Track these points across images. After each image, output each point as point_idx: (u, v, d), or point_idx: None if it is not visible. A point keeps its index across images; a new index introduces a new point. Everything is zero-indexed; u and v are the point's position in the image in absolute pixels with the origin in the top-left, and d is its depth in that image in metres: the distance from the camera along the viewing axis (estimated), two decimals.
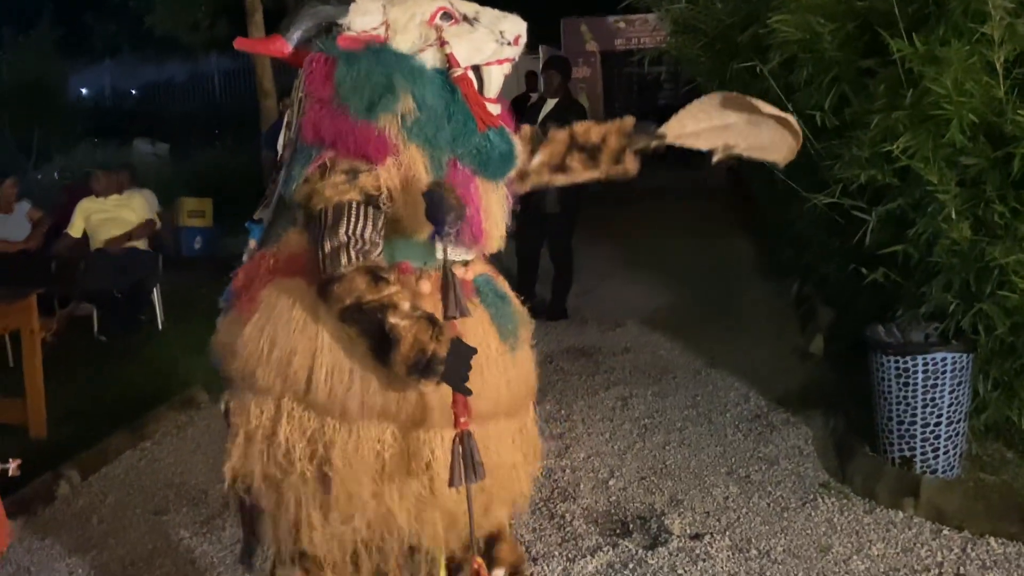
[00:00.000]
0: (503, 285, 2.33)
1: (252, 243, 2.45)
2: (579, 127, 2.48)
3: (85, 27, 19.68)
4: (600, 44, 15.12)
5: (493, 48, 2.14)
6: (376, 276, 1.98)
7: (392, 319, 1.93)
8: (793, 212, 5.45)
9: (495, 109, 2.18)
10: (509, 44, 2.14)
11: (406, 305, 1.96)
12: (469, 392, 1.97)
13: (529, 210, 5.79)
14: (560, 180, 2.51)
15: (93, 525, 3.95)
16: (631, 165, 2.48)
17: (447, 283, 2.00)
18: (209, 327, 2.34)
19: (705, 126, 2.50)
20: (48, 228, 7.33)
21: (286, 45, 2.22)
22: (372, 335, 1.96)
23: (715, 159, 2.51)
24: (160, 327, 6.89)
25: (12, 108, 13.49)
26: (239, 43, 2.39)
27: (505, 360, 2.22)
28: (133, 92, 21.01)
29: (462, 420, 2.00)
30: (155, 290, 6.98)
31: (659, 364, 5.66)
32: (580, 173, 2.48)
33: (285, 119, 4.38)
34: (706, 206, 11.72)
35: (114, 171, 7.36)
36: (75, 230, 7.00)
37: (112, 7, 17.20)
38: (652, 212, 11.56)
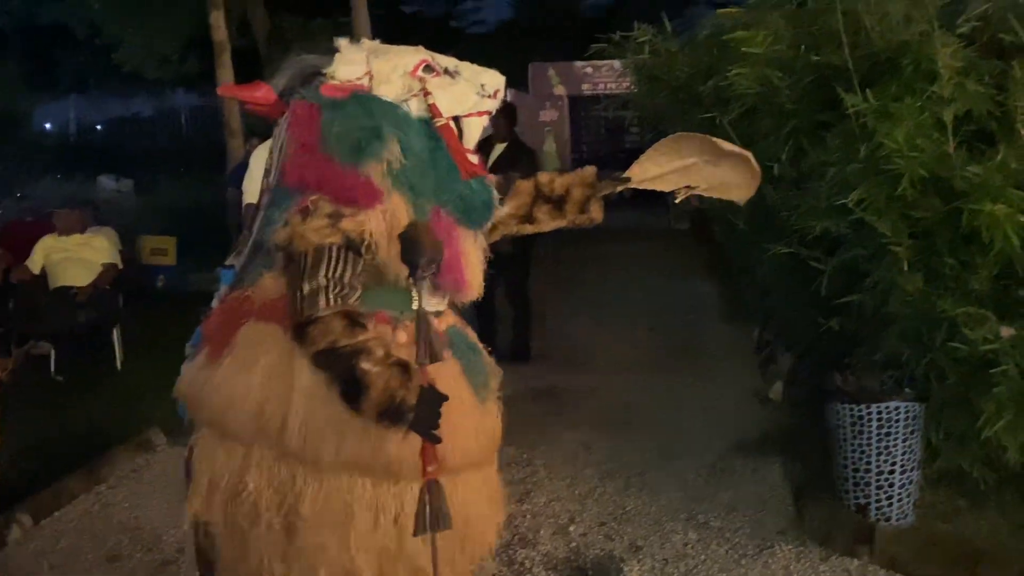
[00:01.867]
0: (473, 337, 2.36)
1: (223, 288, 2.46)
2: (543, 177, 2.53)
3: (52, 61, 19.62)
4: (567, 88, 15.30)
5: (474, 100, 2.22)
6: (353, 321, 2.00)
7: (364, 364, 1.95)
8: (754, 257, 5.54)
9: (473, 159, 2.24)
10: (489, 97, 2.23)
11: (380, 351, 1.98)
12: (438, 440, 1.98)
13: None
14: (528, 230, 2.56)
15: (44, 571, 3.88)
16: (597, 213, 2.55)
17: (420, 327, 2.03)
18: (169, 367, 2.34)
19: (667, 168, 2.56)
20: (6, 266, 7.24)
21: (271, 93, 2.26)
22: (344, 380, 1.97)
23: (677, 200, 2.58)
24: (119, 367, 6.82)
25: None
26: (224, 90, 2.43)
27: (474, 412, 2.25)
28: (98, 127, 20.96)
29: (429, 469, 2.01)
30: (115, 329, 6.91)
31: (622, 407, 5.69)
32: (547, 223, 2.53)
33: (251, 160, 4.46)
34: (669, 250, 11.82)
35: (76, 209, 7.32)
36: (34, 265, 6.93)
37: (80, 42, 17.16)
38: (617, 253, 11.64)
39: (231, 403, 2.16)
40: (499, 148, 6.87)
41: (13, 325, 6.34)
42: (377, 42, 2.30)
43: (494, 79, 2.25)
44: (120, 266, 7.18)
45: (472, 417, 2.24)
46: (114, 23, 13.87)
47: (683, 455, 4.84)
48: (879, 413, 3.70)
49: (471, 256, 2.23)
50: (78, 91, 20.55)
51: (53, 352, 6.64)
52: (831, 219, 3.93)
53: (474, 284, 2.25)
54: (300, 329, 2.00)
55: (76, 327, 6.63)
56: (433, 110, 2.17)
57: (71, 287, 6.82)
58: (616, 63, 13.35)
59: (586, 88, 15.28)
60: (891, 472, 3.72)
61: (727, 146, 2.54)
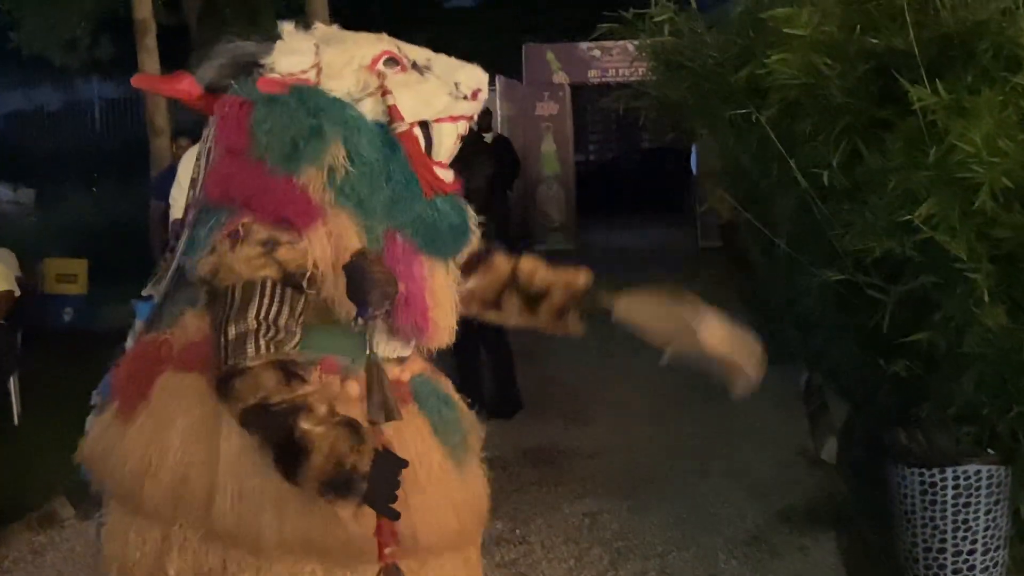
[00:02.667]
0: (446, 387, 2.35)
1: (139, 325, 2.44)
2: (526, 264, 2.52)
3: None
4: (570, 75, 15.34)
5: (445, 102, 2.19)
6: (289, 372, 1.97)
7: (304, 424, 1.91)
8: (798, 286, 5.55)
9: (446, 175, 2.22)
10: (465, 98, 2.19)
11: (322, 408, 1.95)
12: (396, 516, 1.94)
13: None
14: (490, 317, 2.55)
15: None
16: (575, 327, 2.54)
17: (371, 378, 2.01)
18: (78, 422, 2.33)
19: (662, 323, 2.56)
20: None
21: (195, 86, 2.24)
22: (279, 443, 1.93)
23: (663, 361, 2.56)
24: (16, 421, 6.79)
25: None
26: (138, 80, 2.42)
27: (451, 478, 2.22)
28: None
29: (387, 551, 1.97)
30: (12, 376, 6.88)
31: (636, 471, 5.68)
32: (514, 318, 2.53)
33: (179, 166, 4.50)
34: (695, 273, 11.84)
35: None
36: None
37: None
38: (629, 280, 11.62)
39: (144, 472, 2.13)
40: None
41: None
42: (334, 28, 2.30)
43: (472, 77, 2.22)
44: (17, 294, 7.15)
45: (447, 485, 2.21)
46: None
47: (712, 530, 4.83)
48: (955, 479, 3.69)
49: (439, 292, 2.20)
50: None
51: None
52: (893, 239, 3.93)
53: (443, 326, 2.21)
54: (224, 382, 1.97)
55: None
56: (392, 112, 2.14)
57: None
58: (630, 45, 13.46)
59: (593, 75, 15.33)
60: (971, 552, 3.71)
61: (721, 349, 2.53)
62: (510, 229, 11.52)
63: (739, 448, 5.89)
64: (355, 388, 2.11)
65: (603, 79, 15.35)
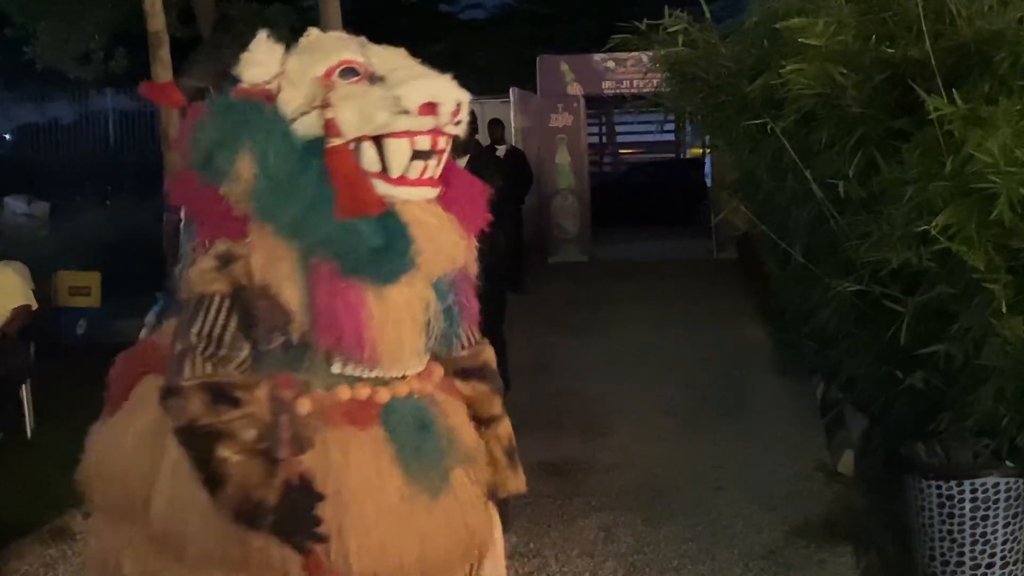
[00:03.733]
0: (442, 412, 2.26)
1: (145, 327, 2.48)
2: (503, 431, 2.49)
3: None
4: (584, 87, 15.36)
5: (384, 118, 2.07)
6: (218, 395, 1.99)
7: (222, 452, 1.97)
8: (815, 298, 5.53)
9: (413, 193, 2.13)
10: (407, 113, 2.07)
11: (247, 435, 1.99)
12: (306, 550, 1.99)
13: None
14: None
15: None
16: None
17: (276, 409, 2.05)
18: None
19: None
20: None
21: (180, 95, 2.27)
22: (199, 466, 2.00)
23: None
24: (29, 435, 6.80)
25: None
26: (144, 89, 2.44)
27: (416, 509, 2.15)
28: (7, 137, 21.10)
29: None
30: (24, 387, 6.90)
31: (652, 484, 5.67)
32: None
33: None
34: (711, 285, 11.87)
35: None
36: None
37: None
38: (645, 289, 11.70)
39: (100, 470, 2.26)
40: (460, 163, 6.85)
41: None
42: (339, 34, 2.28)
43: (418, 91, 2.07)
44: (34, 308, 7.18)
45: (410, 514, 2.14)
46: (28, 11, 13.99)
47: (729, 544, 4.81)
48: (973, 491, 3.67)
49: (387, 315, 2.11)
50: None
51: None
52: (910, 250, 3.93)
53: (393, 348, 2.13)
54: (163, 398, 2.03)
55: None
56: (328, 126, 2.07)
57: None
58: (645, 56, 13.47)
59: (607, 87, 15.35)
60: (989, 566, 3.69)
61: None
62: (521, 242, 11.55)
63: (755, 461, 5.87)
64: (305, 405, 2.11)
65: (618, 90, 15.36)
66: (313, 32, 2.27)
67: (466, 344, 2.37)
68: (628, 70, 14.82)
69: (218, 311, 2.02)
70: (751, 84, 4.92)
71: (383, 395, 2.18)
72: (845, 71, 4.26)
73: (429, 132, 2.09)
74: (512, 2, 26.38)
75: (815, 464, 5.77)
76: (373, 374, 2.16)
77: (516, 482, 2.44)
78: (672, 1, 5.51)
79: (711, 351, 8.57)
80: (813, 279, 4.91)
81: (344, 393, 2.13)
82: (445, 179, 2.21)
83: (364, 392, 2.16)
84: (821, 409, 6.70)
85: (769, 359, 8.24)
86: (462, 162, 6.77)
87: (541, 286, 12.08)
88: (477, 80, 17.18)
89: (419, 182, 2.13)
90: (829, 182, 4.29)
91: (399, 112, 2.05)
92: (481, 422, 2.40)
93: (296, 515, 1.96)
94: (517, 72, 16.56)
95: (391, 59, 2.19)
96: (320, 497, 1.99)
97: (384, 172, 2.09)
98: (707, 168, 14.86)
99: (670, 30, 5.28)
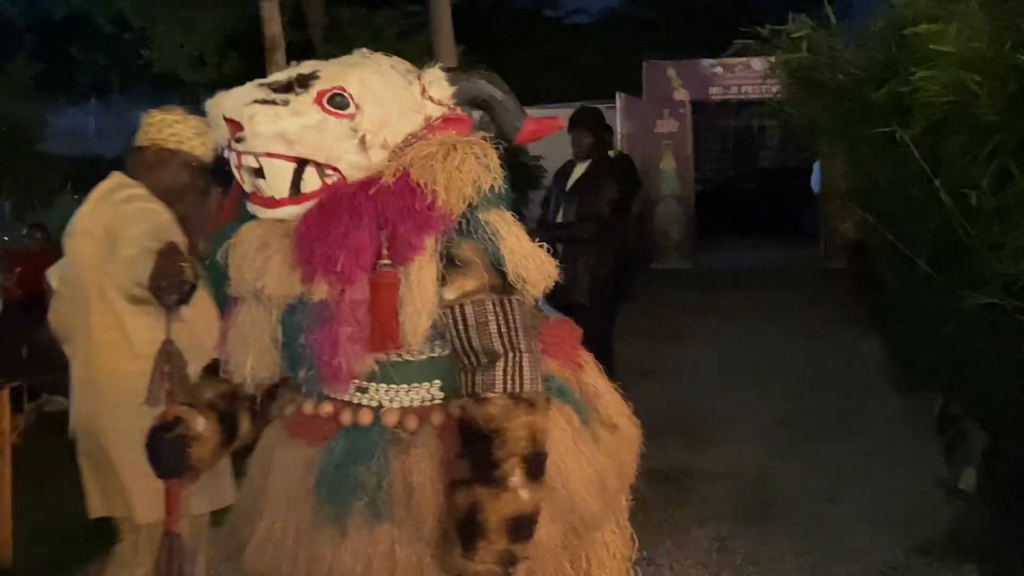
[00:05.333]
0: (395, 454, 2.16)
1: None
2: (459, 503, 2.08)
3: (70, 61, 20.41)
4: (691, 92, 15.27)
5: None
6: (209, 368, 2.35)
7: None
8: (938, 309, 5.43)
9: (258, 212, 2.15)
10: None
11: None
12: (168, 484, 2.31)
13: (552, 302, 5.72)
14: None
15: None
16: None
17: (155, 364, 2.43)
18: None
19: None
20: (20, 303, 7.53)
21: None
22: None
23: None
24: None
25: None
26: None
27: (323, 537, 2.16)
28: (119, 137, 21.68)
29: (168, 518, 2.34)
30: None
31: (765, 496, 5.61)
32: None
33: None
34: (820, 294, 11.71)
35: None
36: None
37: (103, 38, 17.84)
38: (751, 299, 11.58)
39: None
40: (580, 167, 6.83)
41: (27, 375, 6.55)
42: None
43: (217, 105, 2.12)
44: None
45: (312, 540, 2.17)
46: (146, 15, 14.38)
47: (846, 560, 4.73)
48: None
49: (231, 331, 2.21)
50: (98, 96, 21.34)
51: (71, 408, 6.82)
52: None
53: (230, 363, 2.23)
54: None
55: None
56: None
57: None
58: (754, 61, 13.41)
59: (715, 92, 15.25)
60: None
61: None
62: (629, 253, 11.49)
63: (870, 475, 5.77)
64: (290, 409, 2.31)
65: (725, 96, 15.26)
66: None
67: (464, 393, 2.12)
68: (736, 75, 14.73)
69: None
70: (877, 91, 4.85)
71: (345, 417, 2.19)
72: (978, 78, 4.16)
73: (228, 148, 2.11)
74: (617, 6, 26.36)
75: (933, 480, 5.65)
76: (338, 394, 2.19)
77: (461, 563, 2.03)
78: (780, 5, 5.48)
79: (822, 362, 8.45)
80: (937, 290, 4.81)
81: (309, 407, 2.22)
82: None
83: (325, 409, 2.20)
84: (938, 424, 6.55)
85: (882, 371, 8.08)
86: (581, 168, 6.79)
87: (645, 293, 12.03)
88: (581, 85, 17.24)
89: (255, 199, 2.14)
90: (961, 191, 4.19)
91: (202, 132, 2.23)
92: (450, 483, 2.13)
93: (156, 450, 2.20)
94: (622, 77, 16.53)
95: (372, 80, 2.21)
96: (185, 440, 2.21)
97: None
98: (814, 175, 14.65)
99: (794, 35, 5.24)
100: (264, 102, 2.04)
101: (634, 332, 9.28)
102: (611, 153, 11.98)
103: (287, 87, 2.09)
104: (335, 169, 2.09)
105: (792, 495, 5.60)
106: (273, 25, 9.87)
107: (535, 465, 2.07)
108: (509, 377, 2.07)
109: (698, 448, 6.47)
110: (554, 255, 2.24)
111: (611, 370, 7.09)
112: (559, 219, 6.72)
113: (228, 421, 2.30)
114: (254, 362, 2.16)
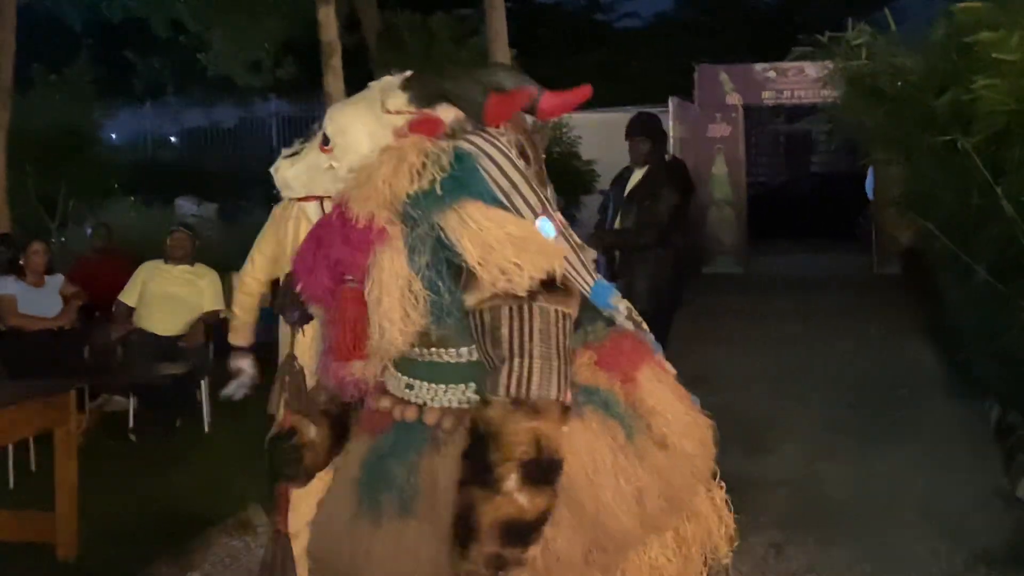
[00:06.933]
0: (429, 451, 2.19)
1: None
2: (463, 500, 2.09)
3: (127, 65, 20.69)
4: (744, 97, 15.21)
5: None
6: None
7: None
8: (996, 318, 5.41)
9: None
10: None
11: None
12: (279, 488, 2.42)
13: None
14: None
15: None
16: None
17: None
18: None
19: None
20: (82, 306, 7.67)
21: None
22: None
23: None
24: (207, 429, 7.10)
25: (38, 159, 14.11)
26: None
27: (354, 528, 2.21)
28: (172, 140, 21.95)
29: (278, 518, 2.43)
30: (202, 384, 7.20)
31: (822, 503, 5.60)
32: None
33: None
34: (873, 300, 11.62)
35: (188, 233, 7.82)
36: (130, 297, 7.36)
37: (159, 43, 18.07)
38: (804, 306, 11.51)
39: None
40: (638, 174, 6.85)
41: (89, 376, 6.68)
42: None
43: None
44: (224, 314, 7.52)
45: (351, 533, 2.22)
46: (203, 20, 14.56)
47: (905, 569, 4.72)
48: None
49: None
50: (153, 99, 21.61)
51: (132, 408, 6.96)
52: None
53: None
54: None
55: (160, 379, 6.94)
56: None
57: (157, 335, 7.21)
58: (808, 66, 13.35)
59: (767, 97, 15.18)
60: None
61: None
62: (685, 260, 11.49)
63: (927, 484, 5.73)
64: (373, 404, 2.37)
65: (778, 100, 15.20)
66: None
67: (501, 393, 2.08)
68: (789, 80, 14.65)
69: None
70: (937, 99, 4.85)
71: (397, 412, 2.24)
72: None
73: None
74: (668, 11, 26.31)
75: (992, 489, 5.61)
76: (394, 391, 2.27)
77: (455, 562, 2.04)
78: (831, 11, 5.47)
79: (876, 368, 8.40)
80: (997, 299, 4.80)
81: (372, 401, 2.28)
82: None
83: (384, 403, 2.26)
84: (996, 433, 6.51)
85: (938, 379, 8.03)
86: (639, 174, 6.81)
87: (697, 297, 12.01)
88: (633, 90, 17.21)
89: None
90: (1021, 200, 4.18)
91: None
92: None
93: (273, 457, 2.33)
94: (674, 82, 16.50)
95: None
96: (299, 448, 2.32)
97: None
98: (868, 180, 14.55)
99: (854, 42, 5.24)
100: (289, 156, 2.39)
101: (686, 337, 9.25)
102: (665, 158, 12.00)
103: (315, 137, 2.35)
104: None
105: (848, 502, 5.59)
106: (329, 30, 9.96)
107: (538, 472, 2.03)
108: (514, 382, 2.04)
109: (754, 455, 6.46)
110: (612, 262, 2.28)
111: None
112: (616, 225, 6.74)
113: (339, 425, 2.38)
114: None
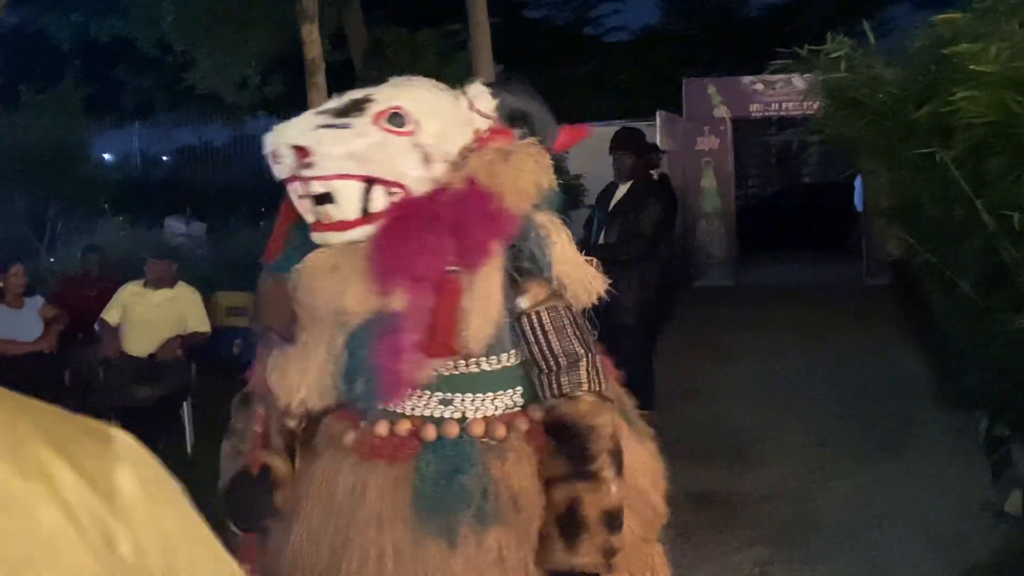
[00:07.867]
0: (492, 461, 2.19)
1: None
2: (559, 498, 2.16)
3: (116, 84, 20.67)
4: (732, 110, 15.19)
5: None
6: (244, 398, 2.37)
7: (224, 445, 2.36)
8: (983, 329, 5.36)
9: (320, 239, 2.22)
10: (276, 163, 2.21)
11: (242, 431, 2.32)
12: (244, 532, 2.23)
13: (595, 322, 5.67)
14: None
15: None
16: None
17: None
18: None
19: None
20: (64, 328, 7.61)
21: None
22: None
23: None
24: (190, 451, 7.04)
25: (26, 178, 14.07)
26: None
27: (428, 553, 2.13)
28: (164, 158, 21.91)
29: (250, 567, 2.21)
30: (185, 404, 7.15)
31: (809, 519, 5.55)
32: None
33: None
34: (863, 312, 11.59)
35: (168, 260, 7.72)
36: (112, 316, 7.31)
37: (147, 61, 18.05)
38: (794, 318, 11.48)
39: None
40: (622, 189, 6.86)
41: (69, 399, 6.62)
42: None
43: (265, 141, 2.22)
44: (208, 333, 7.48)
45: (415, 557, 2.13)
46: (189, 39, 14.53)
47: None
48: None
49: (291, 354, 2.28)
50: (142, 117, 21.60)
51: None
52: None
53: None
54: None
55: (141, 401, 6.89)
56: None
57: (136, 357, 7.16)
58: (795, 78, 13.30)
59: (755, 109, 15.17)
60: None
61: None
62: (672, 273, 11.47)
63: (915, 497, 5.70)
64: (351, 439, 2.33)
65: (765, 113, 15.18)
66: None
67: (548, 395, 2.20)
68: (777, 92, 14.62)
69: None
70: (917, 111, 4.81)
71: (429, 432, 2.21)
72: (1021, 98, 4.12)
73: (292, 179, 2.17)
74: (657, 24, 26.36)
75: (980, 503, 5.56)
76: (414, 411, 2.21)
77: (565, 557, 2.10)
78: (820, 21, 5.43)
79: (866, 380, 8.36)
80: (981, 311, 4.75)
81: (382, 428, 2.21)
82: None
83: (404, 427, 2.21)
84: (985, 445, 6.47)
85: (927, 391, 7.99)
86: (623, 189, 6.80)
87: (688, 310, 11.98)
88: (621, 102, 17.24)
89: (321, 227, 2.19)
90: (1003, 213, 4.14)
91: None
92: (545, 482, 2.19)
93: (241, 500, 2.22)
94: (662, 94, 16.50)
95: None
96: (261, 489, 2.21)
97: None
98: (857, 192, 14.52)
99: (832, 55, 5.19)
100: (328, 127, 2.13)
101: (676, 350, 9.26)
102: (654, 174, 12.00)
103: (345, 112, 2.17)
104: (400, 186, 2.15)
105: (836, 517, 5.55)
106: (313, 48, 9.93)
107: (619, 459, 2.18)
108: (593, 376, 2.18)
109: (741, 469, 6.43)
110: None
111: (650, 390, 7.12)
112: (601, 240, 6.74)
113: (292, 457, 2.33)
114: (308, 385, 2.20)
